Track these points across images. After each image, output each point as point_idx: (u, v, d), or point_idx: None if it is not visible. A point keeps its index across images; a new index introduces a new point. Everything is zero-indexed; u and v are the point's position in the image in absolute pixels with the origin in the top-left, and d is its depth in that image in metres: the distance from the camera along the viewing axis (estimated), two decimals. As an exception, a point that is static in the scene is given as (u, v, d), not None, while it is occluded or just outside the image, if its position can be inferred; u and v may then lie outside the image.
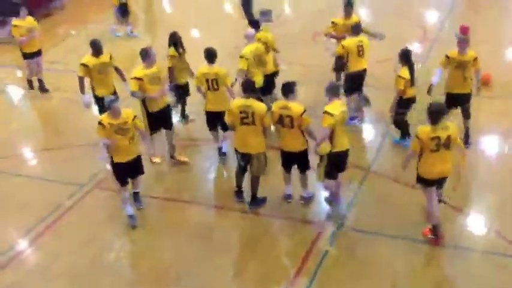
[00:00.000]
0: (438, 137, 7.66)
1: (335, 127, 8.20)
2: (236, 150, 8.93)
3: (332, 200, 9.06)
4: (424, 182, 8.02)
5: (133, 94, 9.76)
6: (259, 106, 8.53)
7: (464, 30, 13.81)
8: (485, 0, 17.94)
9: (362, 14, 16.59)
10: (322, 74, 11.95)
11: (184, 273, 8.07)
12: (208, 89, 9.86)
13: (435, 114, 7.68)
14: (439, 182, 8.09)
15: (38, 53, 13.30)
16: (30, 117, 12.92)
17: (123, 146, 8.52)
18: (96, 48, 10.49)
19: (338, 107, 8.26)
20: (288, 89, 8.49)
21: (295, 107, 8.43)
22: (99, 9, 18.78)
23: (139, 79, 9.60)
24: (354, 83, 10.94)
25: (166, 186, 10.02)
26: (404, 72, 9.78)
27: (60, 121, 12.37)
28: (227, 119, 8.82)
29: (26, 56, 13.19)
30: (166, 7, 20.39)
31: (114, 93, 10.51)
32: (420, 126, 7.85)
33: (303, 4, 18.08)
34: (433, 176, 7.94)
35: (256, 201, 9.19)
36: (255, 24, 11.48)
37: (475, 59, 9.85)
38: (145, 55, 9.72)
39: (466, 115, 10.25)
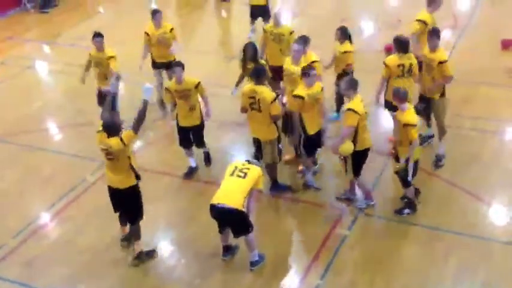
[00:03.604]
0: (403, 65, 9.03)
1: (358, 125, 8.06)
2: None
3: (367, 197, 8.74)
4: (390, 106, 9.04)
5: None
6: (267, 94, 8.43)
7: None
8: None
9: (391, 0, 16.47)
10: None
11: (207, 253, 8.10)
12: None
13: (402, 44, 9.04)
14: None
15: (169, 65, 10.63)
16: (56, 93, 12.99)
17: None
18: None
19: (359, 103, 8.09)
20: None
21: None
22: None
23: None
24: None
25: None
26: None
27: (84, 98, 12.37)
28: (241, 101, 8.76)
29: (156, 65, 11.23)
30: None
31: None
32: (388, 57, 9.39)
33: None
34: None
35: (276, 186, 9.09)
36: None
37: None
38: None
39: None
